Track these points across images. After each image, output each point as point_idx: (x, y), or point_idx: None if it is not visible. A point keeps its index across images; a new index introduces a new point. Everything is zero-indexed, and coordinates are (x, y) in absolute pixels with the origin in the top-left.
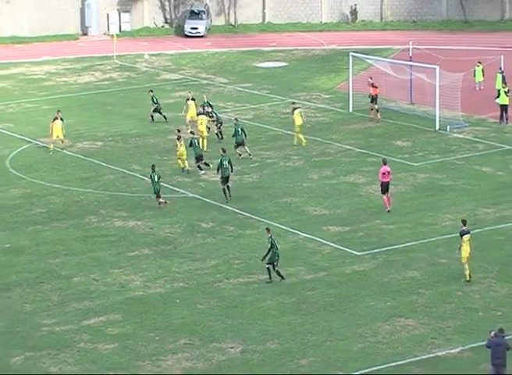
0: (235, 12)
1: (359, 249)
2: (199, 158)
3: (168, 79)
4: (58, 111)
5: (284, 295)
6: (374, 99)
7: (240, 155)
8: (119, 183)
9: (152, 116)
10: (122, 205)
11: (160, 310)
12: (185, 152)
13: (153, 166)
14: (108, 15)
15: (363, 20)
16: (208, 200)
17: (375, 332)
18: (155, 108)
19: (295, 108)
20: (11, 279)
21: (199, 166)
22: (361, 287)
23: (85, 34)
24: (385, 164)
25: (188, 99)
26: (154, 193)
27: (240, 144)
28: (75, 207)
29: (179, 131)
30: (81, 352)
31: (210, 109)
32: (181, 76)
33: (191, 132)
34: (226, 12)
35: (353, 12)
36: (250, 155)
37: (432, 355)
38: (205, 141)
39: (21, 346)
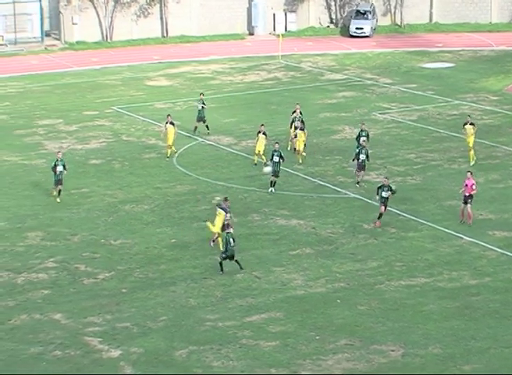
0: (401, 12)
1: None
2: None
3: (332, 79)
4: (168, 115)
5: (447, 300)
6: None
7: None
8: (282, 181)
9: (196, 127)
10: (285, 203)
11: (321, 310)
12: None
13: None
14: (274, 15)
15: None
16: (369, 201)
17: None
18: (199, 118)
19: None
20: (176, 273)
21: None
22: None
23: (251, 34)
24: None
25: (167, 122)
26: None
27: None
28: (238, 205)
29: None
30: (243, 348)
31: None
32: (345, 77)
33: None
34: (392, 11)
35: None
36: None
37: None
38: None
39: (185, 340)
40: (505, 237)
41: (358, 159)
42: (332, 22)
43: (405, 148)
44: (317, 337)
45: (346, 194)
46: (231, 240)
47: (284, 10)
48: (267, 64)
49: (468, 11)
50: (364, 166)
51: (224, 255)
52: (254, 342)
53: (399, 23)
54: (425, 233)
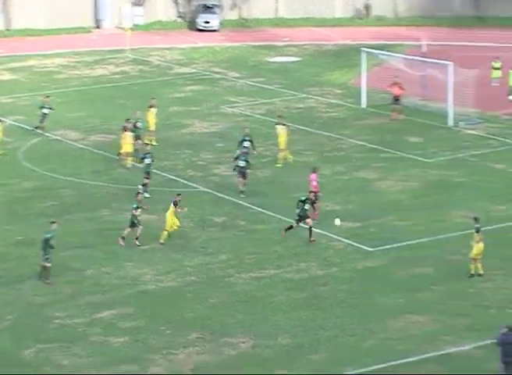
0: (247, 7)
1: (371, 245)
2: None
3: (180, 73)
4: None
5: (295, 291)
6: (397, 100)
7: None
8: (132, 176)
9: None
10: (135, 198)
11: (171, 304)
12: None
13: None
14: (120, 8)
15: (376, 15)
16: (220, 194)
17: (386, 328)
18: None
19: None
20: (23, 271)
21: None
22: (373, 284)
23: (98, 27)
24: (313, 172)
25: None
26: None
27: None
28: (86, 200)
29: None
30: (93, 345)
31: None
32: (193, 71)
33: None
34: (239, 6)
35: (367, 7)
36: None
37: (443, 353)
38: None
39: (33, 339)
40: (350, 228)
41: (238, 166)
42: (179, 16)
43: (254, 141)
44: (168, 332)
45: (195, 187)
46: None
47: (131, 3)
48: (114, 58)
49: (313, 5)
50: (245, 173)
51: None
52: (104, 339)
53: (245, 18)
54: (274, 225)
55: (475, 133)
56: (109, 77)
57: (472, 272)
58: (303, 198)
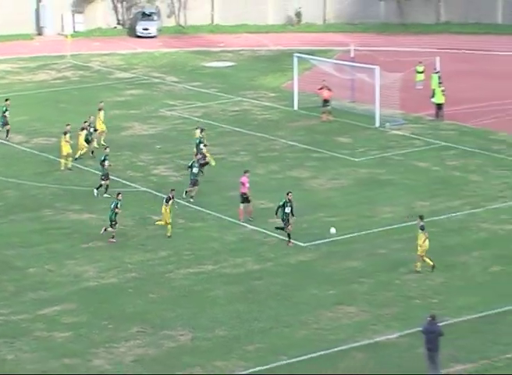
0: (184, 14)
1: (303, 240)
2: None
3: (120, 77)
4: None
5: (232, 285)
6: (327, 102)
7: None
8: (74, 177)
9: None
10: (77, 198)
11: (113, 300)
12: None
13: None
14: (62, 15)
15: (307, 22)
16: (159, 194)
17: (318, 319)
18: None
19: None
20: None
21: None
22: (305, 277)
23: (40, 34)
24: (245, 173)
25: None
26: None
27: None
28: (30, 200)
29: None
30: (37, 340)
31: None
32: (133, 75)
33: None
34: (176, 13)
35: (298, 15)
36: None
37: (371, 341)
38: None
39: None
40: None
41: (192, 173)
42: (119, 23)
43: (191, 142)
44: (109, 326)
45: (135, 187)
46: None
47: (72, 11)
48: (56, 63)
49: (247, 13)
50: (197, 180)
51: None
52: (48, 334)
53: (182, 25)
54: (211, 222)
55: (400, 133)
56: (51, 82)
57: (419, 269)
58: (281, 203)
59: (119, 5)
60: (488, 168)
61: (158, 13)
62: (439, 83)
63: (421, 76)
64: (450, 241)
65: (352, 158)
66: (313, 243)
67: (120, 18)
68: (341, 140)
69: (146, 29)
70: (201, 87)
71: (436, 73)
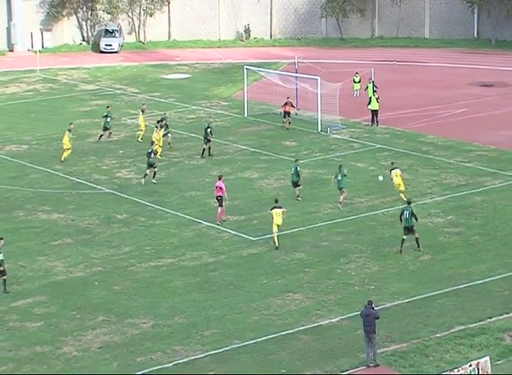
0: (144, 31)
1: (254, 235)
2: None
3: (85, 89)
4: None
5: (189, 276)
6: (287, 114)
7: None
8: (44, 181)
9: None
10: (46, 200)
11: (80, 292)
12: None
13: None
14: (31, 33)
15: (255, 38)
16: (122, 195)
17: (268, 306)
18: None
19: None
20: None
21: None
22: (256, 268)
23: (11, 50)
24: (219, 179)
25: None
26: None
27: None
28: (3, 203)
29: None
30: (10, 330)
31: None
32: (97, 87)
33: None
34: (136, 30)
35: (247, 31)
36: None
37: (316, 324)
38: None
39: None
40: (236, 221)
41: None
42: (84, 39)
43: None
44: (77, 316)
45: (100, 189)
46: None
47: (41, 29)
48: (27, 77)
49: (201, 29)
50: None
51: None
52: (21, 324)
53: (142, 41)
54: (170, 220)
55: (340, 137)
56: (22, 94)
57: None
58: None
59: (84, 23)
60: (418, 167)
61: (120, 30)
62: (374, 91)
63: (357, 86)
64: (385, 233)
65: None
66: (262, 237)
67: (85, 35)
68: (287, 144)
69: (109, 45)
70: (160, 97)
71: (371, 82)
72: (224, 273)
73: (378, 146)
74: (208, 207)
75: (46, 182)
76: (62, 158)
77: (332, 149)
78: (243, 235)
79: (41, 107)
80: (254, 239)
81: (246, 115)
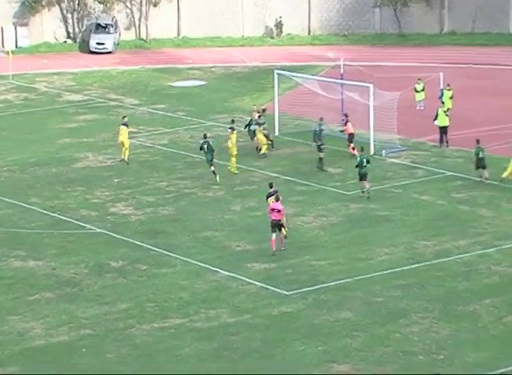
0: (146, 26)
1: (287, 288)
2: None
3: (71, 100)
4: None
5: (204, 341)
6: (351, 138)
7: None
8: (17, 218)
9: None
10: (21, 243)
11: (64, 361)
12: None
13: (204, 135)
14: (2, 28)
15: (289, 34)
16: (117, 235)
17: None
18: None
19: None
20: None
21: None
22: (290, 331)
23: None
24: (277, 200)
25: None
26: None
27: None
28: None
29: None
30: None
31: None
32: (86, 98)
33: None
34: (136, 25)
35: (279, 25)
36: (364, 192)
37: None
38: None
39: None
40: (264, 269)
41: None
42: (69, 36)
43: (155, 175)
44: None
45: (90, 229)
46: None
47: (14, 23)
48: None
49: (219, 23)
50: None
51: None
52: None
53: (144, 38)
54: (179, 268)
55: (399, 162)
56: None
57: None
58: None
59: (69, 16)
60: (502, 201)
61: (115, 25)
62: (442, 102)
63: (421, 96)
64: (458, 287)
65: (343, 192)
66: (298, 291)
67: (71, 31)
68: (330, 170)
69: (101, 43)
70: (166, 110)
71: (448, 89)
72: (248, 337)
73: (449, 174)
74: (228, 252)
75: (20, 219)
76: (126, 159)
77: (388, 177)
78: (273, 288)
79: (15, 122)
80: (287, 293)
81: (277, 133)
